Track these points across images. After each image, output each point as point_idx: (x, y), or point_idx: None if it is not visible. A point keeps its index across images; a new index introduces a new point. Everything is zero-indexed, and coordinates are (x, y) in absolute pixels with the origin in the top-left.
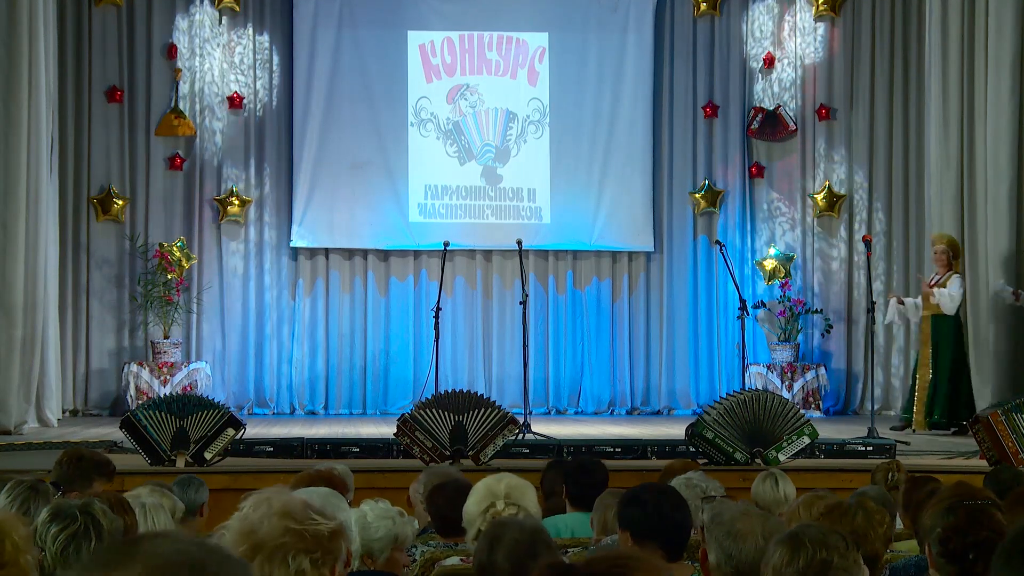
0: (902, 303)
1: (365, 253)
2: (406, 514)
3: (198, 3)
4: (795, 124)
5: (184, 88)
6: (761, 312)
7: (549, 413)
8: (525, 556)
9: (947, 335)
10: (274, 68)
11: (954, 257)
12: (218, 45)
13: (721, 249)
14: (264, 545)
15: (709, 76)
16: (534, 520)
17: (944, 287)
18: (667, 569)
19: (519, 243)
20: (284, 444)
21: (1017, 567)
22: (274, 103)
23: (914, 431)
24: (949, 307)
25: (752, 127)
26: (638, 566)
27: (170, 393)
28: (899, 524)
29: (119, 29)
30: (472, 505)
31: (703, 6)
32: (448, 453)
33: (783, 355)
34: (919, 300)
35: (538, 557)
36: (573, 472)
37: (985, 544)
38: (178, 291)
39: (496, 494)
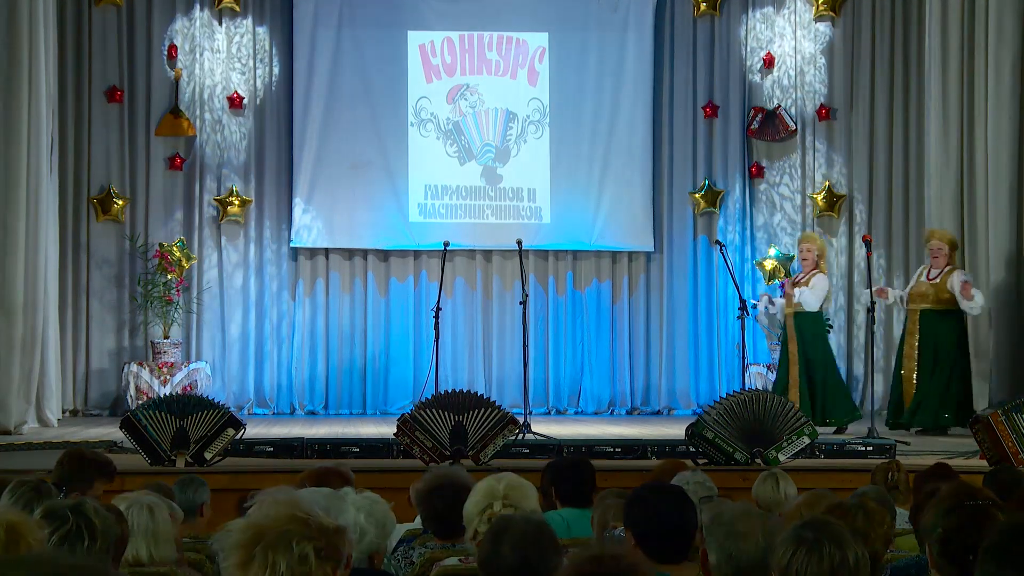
0: (773, 302)
1: (365, 253)
2: (389, 523)
3: (198, 3)
4: (795, 124)
5: (184, 88)
6: (761, 312)
7: (549, 413)
8: (531, 549)
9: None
10: (274, 68)
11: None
12: (218, 45)
13: (721, 249)
14: (267, 532)
15: (709, 76)
16: (538, 516)
17: (806, 286)
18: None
19: (519, 243)
20: (284, 444)
21: (1007, 564)
22: (274, 103)
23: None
24: (811, 304)
25: (752, 127)
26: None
27: (170, 393)
28: (899, 524)
29: (119, 29)
30: (472, 505)
31: (703, 6)
32: (448, 453)
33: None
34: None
35: (544, 551)
36: (561, 470)
37: None
38: (178, 291)
39: (496, 494)
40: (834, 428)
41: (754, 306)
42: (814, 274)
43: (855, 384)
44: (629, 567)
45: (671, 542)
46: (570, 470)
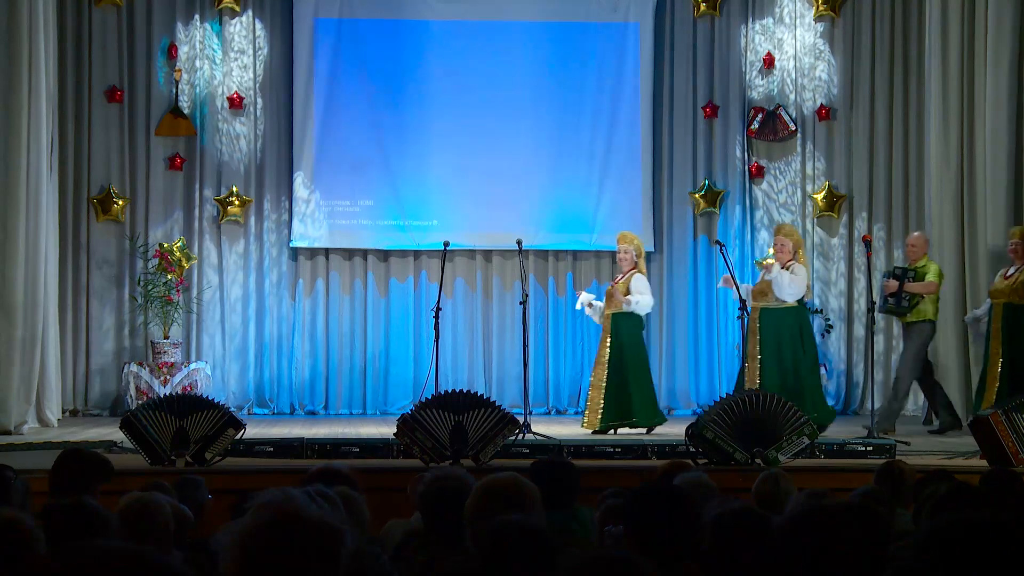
0: (591, 304)
1: (365, 253)
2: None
3: (198, 3)
4: (795, 124)
5: (184, 88)
6: None
7: (549, 413)
8: (530, 551)
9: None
10: (274, 68)
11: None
12: (218, 45)
13: (721, 249)
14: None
15: (709, 76)
16: (538, 518)
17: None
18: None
19: (519, 243)
20: (284, 444)
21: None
22: (274, 103)
23: None
24: (644, 308)
25: (752, 127)
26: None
27: (170, 393)
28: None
29: (119, 29)
30: (472, 506)
31: (703, 6)
32: (448, 453)
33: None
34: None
35: (542, 552)
36: (538, 473)
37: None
38: (178, 291)
39: (496, 495)
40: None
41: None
42: (633, 275)
43: (855, 384)
44: (630, 568)
45: (671, 542)
46: (547, 472)
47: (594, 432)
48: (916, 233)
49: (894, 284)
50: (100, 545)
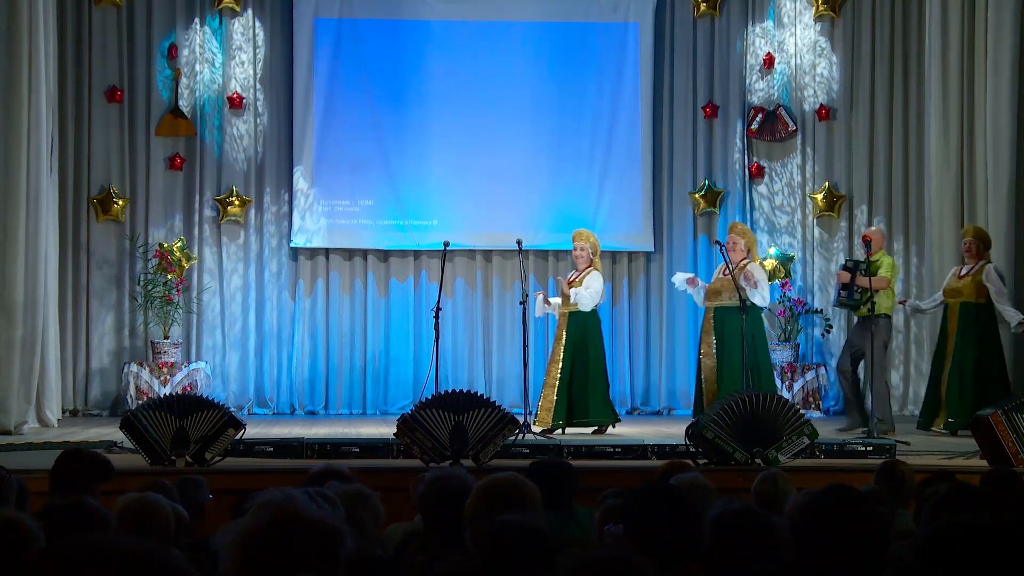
0: (548, 302)
1: (365, 253)
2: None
3: (198, 3)
4: (795, 124)
5: (184, 88)
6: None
7: None
8: (529, 551)
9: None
10: (274, 68)
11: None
12: (218, 45)
13: (721, 249)
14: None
15: (709, 76)
16: (537, 518)
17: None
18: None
19: (519, 243)
20: (284, 444)
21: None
22: (274, 103)
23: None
24: (587, 304)
25: (752, 127)
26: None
27: (170, 393)
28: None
29: (119, 29)
30: (472, 506)
31: (703, 6)
32: (448, 453)
33: (783, 355)
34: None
35: (542, 553)
36: (535, 473)
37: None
38: (178, 291)
39: (496, 494)
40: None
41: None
42: (590, 271)
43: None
44: (630, 568)
45: (671, 542)
46: (546, 473)
47: (544, 432)
48: (873, 227)
49: (846, 276)
50: (102, 540)
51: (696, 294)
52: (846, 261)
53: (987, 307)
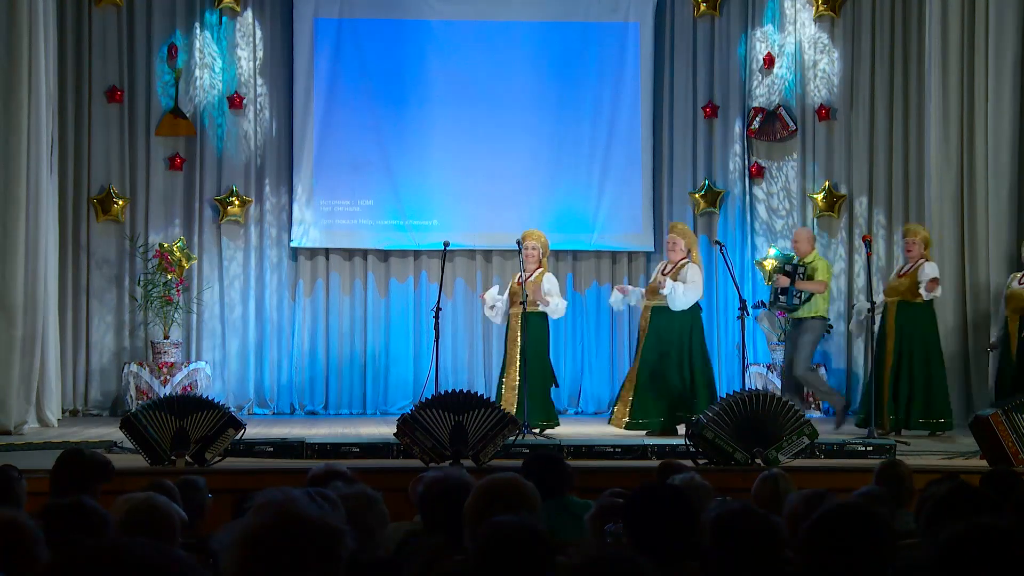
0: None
1: (365, 254)
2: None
3: (198, 3)
4: (795, 124)
5: (184, 88)
6: (761, 312)
7: None
8: (525, 552)
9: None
10: (274, 68)
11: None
12: (218, 45)
13: (721, 249)
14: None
15: (709, 76)
16: (534, 518)
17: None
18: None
19: (519, 243)
20: (284, 444)
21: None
22: (274, 103)
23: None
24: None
25: (752, 127)
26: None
27: (170, 393)
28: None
29: (119, 29)
30: (470, 506)
31: (703, 6)
32: (448, 453)
33: (783, 355)
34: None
35: (542, 554)
36: (531, 467)
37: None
38: (178, 291)
39: (495, 494)
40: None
41: (755, 306)
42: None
43: (856, 383)
44: (630, 568)
45: (671, 543)
46: (537, 465)
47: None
48: (801, 228)
49: (785, 280)
50: (119, 542)
51: (631, 298)
52: (784, 265)
53: (925, 305)
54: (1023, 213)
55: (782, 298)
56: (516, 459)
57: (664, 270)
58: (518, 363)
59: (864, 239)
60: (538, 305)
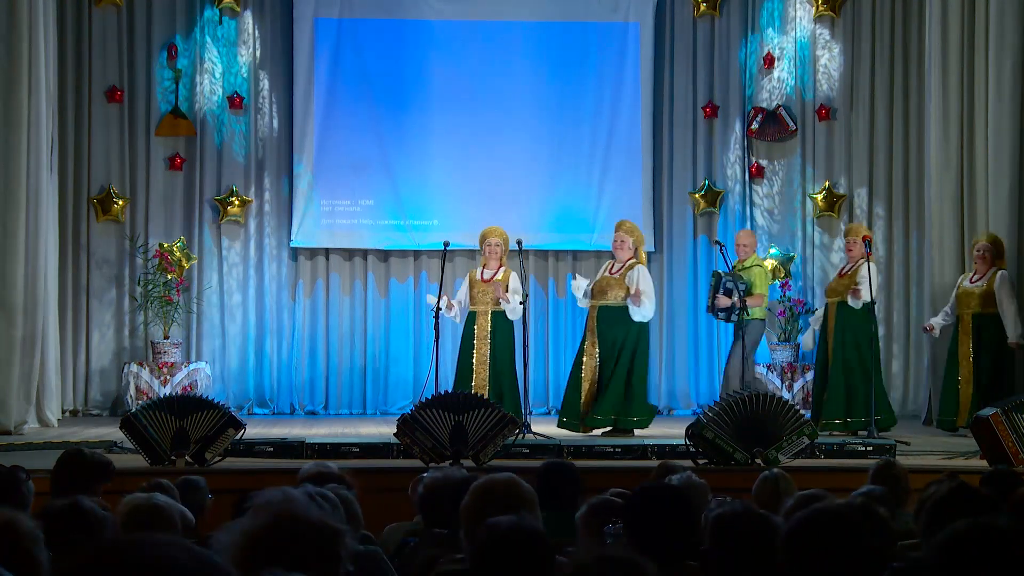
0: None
1: (365, 254)
2: None
3: (198, 3)
4: (795, 124)
5: (184, 88)
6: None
7: (549, 413)
8: (523, 552)
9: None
10: (274, 68)
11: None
12: (218, 45)
13: (721, 249)
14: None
15: (709, 76)
16: (533, 519)
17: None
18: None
19: (519, 243)
20: (284, 444)
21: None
22: (274, 103)
23: None
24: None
25: (752, 127)
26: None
27: (170, 393)
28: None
29: (119, 29)
30: (468, 507)
31: (703, 6)
32: (448, 453)
33: (783, 355)
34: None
35: (542, 555)
36: (548, 474)
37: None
38: (178, 291)
39: (493, 495)
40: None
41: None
42: (631, 264)
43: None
44: (630, 568)
45: (666, 544)
46: (554, 473)
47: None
48: (743, 231)
49: (727, 301)
50: (149, 539)
51: (576, 288)
52: (724, 281)
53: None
54: (1023, 213)
55: (722, 314)
56: (516, 459)
57: (611, 269)
58: (486, 363)
59: (864, 239)
60: (502, 305)
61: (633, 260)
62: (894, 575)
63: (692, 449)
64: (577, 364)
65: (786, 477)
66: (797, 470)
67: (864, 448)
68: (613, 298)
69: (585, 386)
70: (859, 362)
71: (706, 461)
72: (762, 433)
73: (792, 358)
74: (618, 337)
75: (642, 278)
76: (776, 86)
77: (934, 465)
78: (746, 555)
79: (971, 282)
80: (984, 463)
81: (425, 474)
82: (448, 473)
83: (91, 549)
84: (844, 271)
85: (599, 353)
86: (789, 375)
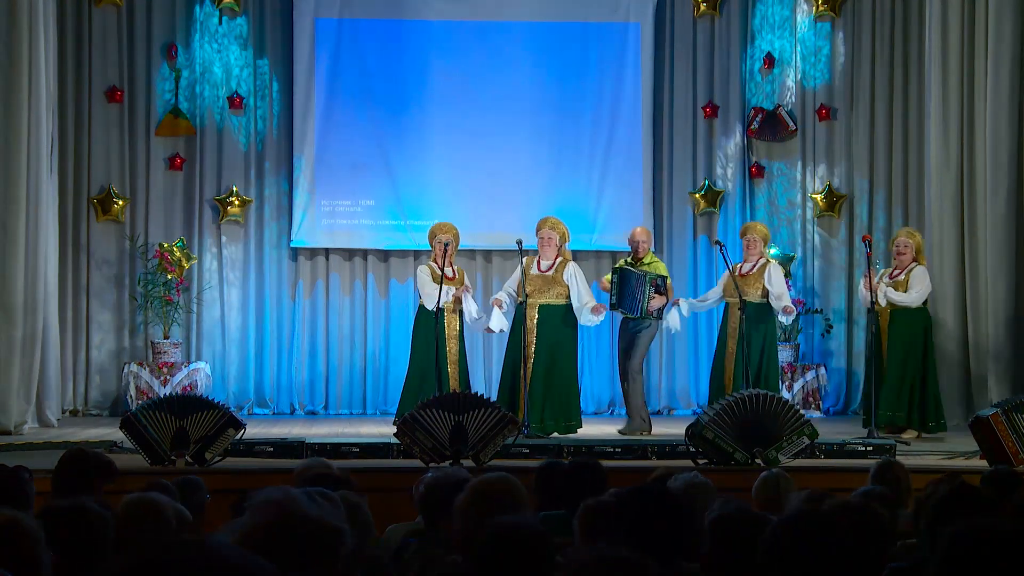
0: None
1: (365, 254)
2: None
3: (198, 3)
4: (795, 124)
5: (184, 88)
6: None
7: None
8: (523, 552)
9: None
10: (274, 68)
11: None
12: (218, 45)
13: (721, 249)
14: (263, 533)
15: (709, 76)
16: (533, 519)
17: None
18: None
19: (519, 243)
20: (284, 444)
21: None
22: (274, 103)
23: None
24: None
25: (752, 127)
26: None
27: (170, 393)
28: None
29: (119, 29)
30: (463, 507)
31: (703, 6)
32: (448, 453)
33: (783, 355)
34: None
35: (542, 555)
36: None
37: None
38: (178, 291)
39: (491, 494)
40: None
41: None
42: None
43: (856, 384)
44: (631, 569)
45: (663, 545)
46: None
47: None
48: (640, 228)
49: (662, 299)
50: (199, 542)
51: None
52: (650, 278)
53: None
54: (1022, 213)
55: (654, 314)
56: (516, 459)
57: (540, 266)
58: (456, 362)
59: (864, 239)
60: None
61: (560, 259)
62: (894, 575)
63: (692, 449)
64: (521, 361)
65: (786, 477)
66: (797, 470)
67: (864, 448)
68: (553, 296)
69: (530, 385)
70: (759, 361)
71: (706, 461)
72: (762, 433)
73: (792, 358)
74: (552, 336)
75: (578, 274)
76: (776, 86)
77: (934, 465)
78: (746, 555)
79: (891, 277)
80: (984, 463)
81: (426, 475)
82: (449, 473)
83: (145, 551)
84: (745, 271)
85: (535, 353)
86: (789, 375)
